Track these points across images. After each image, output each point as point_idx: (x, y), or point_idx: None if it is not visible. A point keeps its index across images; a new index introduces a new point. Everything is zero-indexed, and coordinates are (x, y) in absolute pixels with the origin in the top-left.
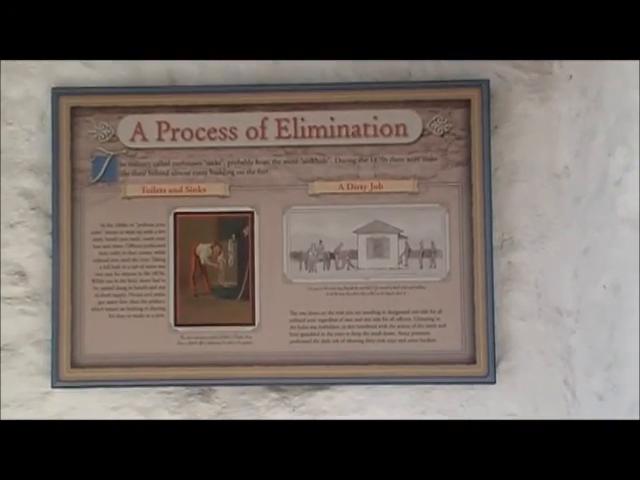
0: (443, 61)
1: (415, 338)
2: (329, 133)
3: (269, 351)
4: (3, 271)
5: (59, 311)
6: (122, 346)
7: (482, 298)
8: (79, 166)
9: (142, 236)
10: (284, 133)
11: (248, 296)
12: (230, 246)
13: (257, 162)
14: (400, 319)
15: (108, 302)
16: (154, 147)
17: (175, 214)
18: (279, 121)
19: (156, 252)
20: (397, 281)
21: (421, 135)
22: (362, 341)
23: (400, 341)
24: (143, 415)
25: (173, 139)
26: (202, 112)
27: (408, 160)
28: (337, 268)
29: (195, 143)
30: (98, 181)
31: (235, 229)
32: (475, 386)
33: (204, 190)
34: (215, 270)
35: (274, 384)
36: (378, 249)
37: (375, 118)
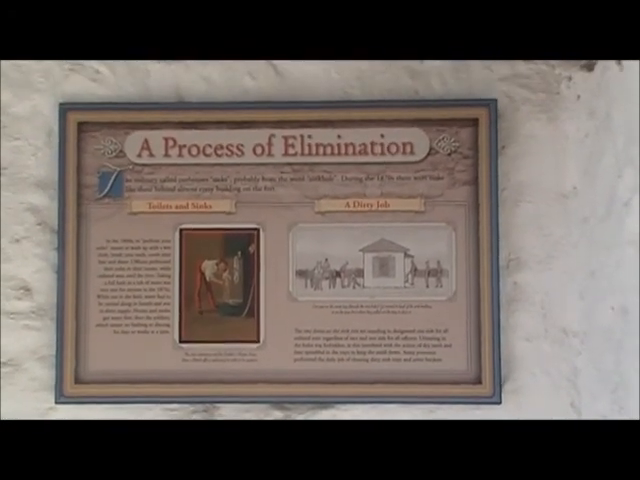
0: (450, 80)
1: (421, 357)
2: (336, 151)
3: (274, 369)
4: (8, 286)
5: (64, 327)
6: (126, 362)
7: (488, 318)
8: (85, 181)
9: (147, 252)
10: (291, 150)
11: (253, 313)
12: (236, 263)
13: (263, 179)
14: (406, 338)
15: (113, 318)
16: (161, 163)
17: (181, 230)
18: (286, 138)
19: (161, 268)
20: (403, 300)
21: (428, 154)
22: (367, 360)
23: (405, 360)
24: None
25: (180, 155)
26: (209, 129)
27: (415, 179)
28: (343, 286)
29: (202, 159)
30: (104, 197)
31: (241, 246)
32: (481, 406)
33: (210, 207)
34: (220, 287)
35: (278, 402)
36: (384, 268)
37: (382, 136)
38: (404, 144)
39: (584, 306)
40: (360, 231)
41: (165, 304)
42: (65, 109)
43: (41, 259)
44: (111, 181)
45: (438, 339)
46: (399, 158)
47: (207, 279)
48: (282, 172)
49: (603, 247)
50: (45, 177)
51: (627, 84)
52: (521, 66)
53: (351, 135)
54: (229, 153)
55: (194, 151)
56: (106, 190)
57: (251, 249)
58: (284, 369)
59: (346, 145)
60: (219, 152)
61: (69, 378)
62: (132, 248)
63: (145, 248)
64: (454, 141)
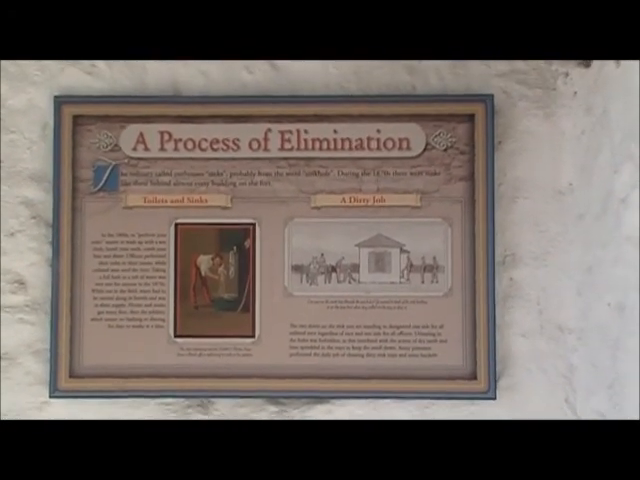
0: (447, 75)
1: (416, 353)
2: (332, 146)
3: (269, 364)
4: (3, 280)
5: (58, 321)
6: (121, 357)
7: (484, 314)
8: (80, 175)
9: (143, 246)
10: (287, 145)
11: (248, 308)
12: (231, 258)
13: (259, 174)
14: (401, 333)
15: (107, 312)
16: (156, 157)
17: (176, 225)
18: (282, 133)
19: (156, 263)
20: (398, 295)
21: (424, 149)
22: (362, 355)
23: (401, 356)
24: None
25: (175, 149)
26: (205, 123)
27: (411, 174)
28: (338, 281)
29: (197, 154)
30: (99, 190)
31: (236, 241)
32: (475, 402)
33: (206, 201)
34: (216, 282)
35: (273, 397)
36: (380, 263)
37: (378, 132)
38: (400, 139)
39: (580, 303)
40: (356, 226)
41: (160, 299)
42: (60, 102)
43: (36, 253)
44: (106, 175)
45: (434, 334)
46: (395, 153)
47: (202, 274)
48: (278, 167)
49: (599, 244)
50: (40, 170)
51: (624, 81)
52: (518, 62)
53: (348, 130)
54: (225, 147)
55: (190, 145)
56: (101, 184)
57: (247, 244)
58: (279, 364)
59: (342, 140)
60: (215, 146)
61: (64, 372)
62: (127, 242)
63: (140, 242)
64: (450, 137)
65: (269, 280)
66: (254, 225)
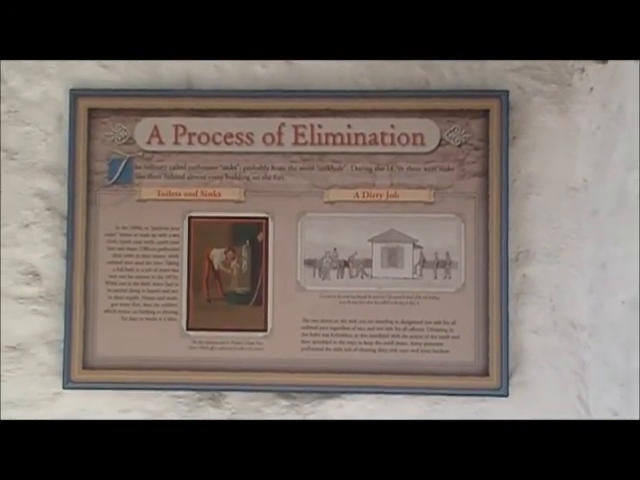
0: (462, 70)
1: (428, 349)
2: (346, 141)
3: (280, 358)
4: (17, 271)
5: (72, 312)
6: (134, 349)
7: (496, 310)
8: (95, 168)
9: (156, 239)
10: (301, 139)
11: (261, 302)
12: (244, 252)
13: (273, 168)
14: (413, 329)
15: (121, 304)
16: (170, 150)
17: (190, 218)
18: (296, 127)
19: (170, 256)
20: (411, 291)
21: (438, 145)
22: (374, 350)
23: (413, 351)
24: (153, 418)
25: (189, 143)
26: (219, 116)
27: (425, 170)
28: (351, 276)
29: (211, 147)
30: (114, 183)
31: (249, 235)
32: (487, 398)
33: (219, 195)
34: (228, 275)
35: (285, 391)
36: (392, 258)
37: (392, 127)
38: (414, 135)
39: (593, 300)
40: (369, 221)
41: (173, 291)
42: (76, 95)
43: (50, 244)
44: (121, 168)
45: (446, 330)
46: (409, 149)
47: (215, 267)
48: (292, 161)
49: (613, 240)
50: (55, 163)
51: None
52: None
53: (361, 125)
54: (239, 141)
55: (204, 139)
56: (115, 177)
57: (259, 238)
58: (291, 358)
59: (356, 135)
60: (229, 140)
61: (77, 363)
62: (141, 235)
63: (154, 235)
64: (465, 132)
65: (282, 274)
66: (267, 219)
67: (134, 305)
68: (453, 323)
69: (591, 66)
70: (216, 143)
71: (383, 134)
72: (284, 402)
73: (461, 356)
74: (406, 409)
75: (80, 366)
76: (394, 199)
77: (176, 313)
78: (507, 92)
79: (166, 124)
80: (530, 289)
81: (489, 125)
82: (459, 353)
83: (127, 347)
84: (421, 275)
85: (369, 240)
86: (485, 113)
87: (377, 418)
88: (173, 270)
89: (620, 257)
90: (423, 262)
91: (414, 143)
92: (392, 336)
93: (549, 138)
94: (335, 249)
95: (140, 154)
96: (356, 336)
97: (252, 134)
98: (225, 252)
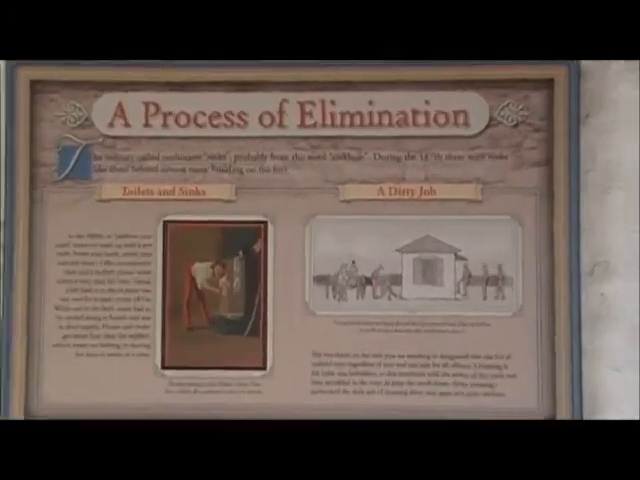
0: None
1: (476, 391)
2: (367, 121)
3: (284, 404)
4: None
5: (10, 347)
6: (92, 394)
7: (565, 340)
8: (41, 158)
9: (122, 251)
10: (308, 120)
11: (258, 331)
12: (236, 266)
13: (272, 157)
14: (456, 365)
15: (75, 336)
16: (139, 135)
17: (165, 223)
18: (302, 104)
19: (139, 272)
20: (453, 315)
21: (487, 126)
22: (405, 393)
23: (456, 394)
24: None
25: (164, 125)
26: (202, 91)
27: (469, 158)
28: (374, 297)
29: (193, 131)
30: (65, 178)
31: (243, 244)
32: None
33: (203, 192)
34: (216, 297)
35: None
36: (428, 274)
37: (427, 103)
38: (455, 113)
39: None
40: (397, 226)
41: (144, 318)
42: (14, 64)
43: None
44: (74, 158)
45: (499, 367)
46: (449, 131)
47: (199, 286)
48: (297, 148)
49: None
50: None
51: None
52: None
53: (386, 101)
54: (228, 123)
55: (183, 120)
56: (68, 170)
57: (256, 248)
58: (297, 404)
59: (380, 114)
60: (215, 122)
61: (17, 413)
62: (102, 246)
63: (119, 246)
64: (522, 109)
65: (285, 295)
66: (265, 224)
67: (92, 337)
68: (508, 357)
69: None
70: (199, 125)
71: (415, 112)
72: None
73: (520, 401)
74: None
75: (22, 416)
76: (430, 196)
77: (148, 347)
78: None
79: (134, 101)
80: (610, 312)
81: (554, 99)
82: (517, 396)
83: (83, 392)
84: (466, 295)
85: (397, 250)
86: (549, 83)
87: None
88: (144, 291)
89: None
90: (468, 278)
91: (455, 123)
92: (428, 374)
93: (633, 115)
94: (354, 262)
95: (100, 140)
96: (381, 375)
97: (245, 114)
98: (212, 267)
